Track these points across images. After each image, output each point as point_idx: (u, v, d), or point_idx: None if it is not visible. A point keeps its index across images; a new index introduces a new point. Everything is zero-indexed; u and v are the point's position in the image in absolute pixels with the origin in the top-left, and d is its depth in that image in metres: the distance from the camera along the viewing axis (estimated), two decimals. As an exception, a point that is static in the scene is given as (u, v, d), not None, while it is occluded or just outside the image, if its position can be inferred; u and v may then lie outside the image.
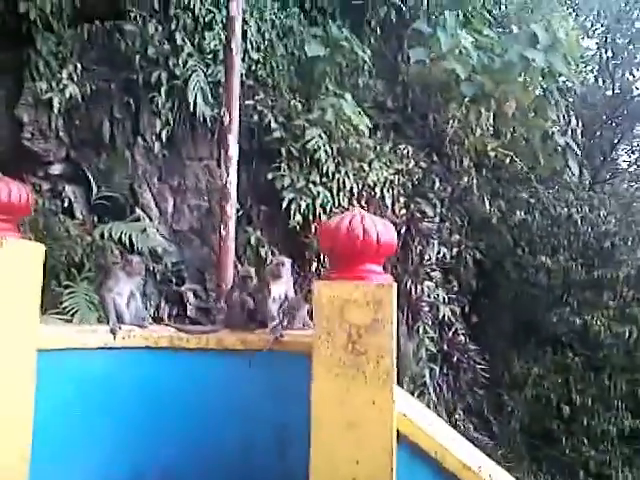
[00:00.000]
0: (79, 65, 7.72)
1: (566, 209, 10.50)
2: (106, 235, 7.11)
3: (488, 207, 10.29)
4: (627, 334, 9.68)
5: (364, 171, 8.27)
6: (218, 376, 4.27)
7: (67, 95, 7.55)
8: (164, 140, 7.98)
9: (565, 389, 10.20)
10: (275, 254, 7.97)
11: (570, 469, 9.58)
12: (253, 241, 7.90)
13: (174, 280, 8.09)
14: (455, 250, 10.02)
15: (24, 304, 3.60)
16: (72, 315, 6.59)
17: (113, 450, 4.12)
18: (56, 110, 7.58)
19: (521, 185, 10.87)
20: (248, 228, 8.07)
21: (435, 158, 9.87)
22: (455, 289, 9.54)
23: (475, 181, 10.00)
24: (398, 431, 3.10)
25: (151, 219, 8.10)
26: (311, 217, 7.92)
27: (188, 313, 8.05)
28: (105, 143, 7.88)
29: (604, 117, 15.35)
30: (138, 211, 7.98)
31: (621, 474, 9.40)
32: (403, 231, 8.38)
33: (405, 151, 8.82)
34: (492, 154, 10.38)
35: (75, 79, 7.65)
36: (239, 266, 6.28)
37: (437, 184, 9.63)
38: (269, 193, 8.05)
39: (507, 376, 10.33)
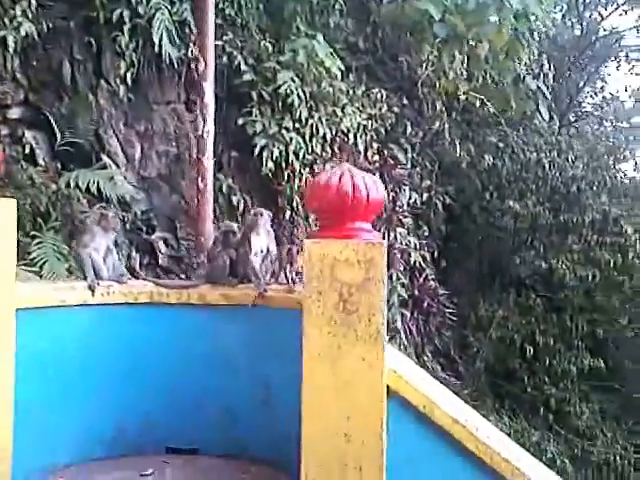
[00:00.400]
0: (34, 1, 7.22)
1: (535, 153, 10.57)
2: (72, 183, 6.84)
3: (458, 151, 10.28)
4: (590, 277, 9.99)
5: (337, 116, 8.11)
6: (200, 331, 4.24)
7: (22, 33, 7.08)
8: (129, 83, 7.61)
9: (528, 330, 10.55)
10: (247, 202, 7.87)
11: (531, 406, 10.03)
12: (225, 189, 7.74)
13: (144, 229, 7.91)
14: (425, 196, 10.06)
15: (0, 263, 3.46)
16: (40, 267, 6.42)
17: (95, 407, 4.09)
18: (11, 49, 7.11)
19: (490, 129, 10.87)
20: (219, 175, 7.87)
21: (406, 102, 9.74)
22: (425, 234, 9.62)
23: (447, 125, 9.93)
24: (388, 387, 3.13)
25: (118, 166, 7.82)
26: (284, 164, 7.79)
27: (160, 262, 7.93)
28: (66, 85, 7.47)
29: (572, 59, 15.31)
30: (104, 158, 7.69)
31: (579, 409, 9.89)
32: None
33: (379, 95, 8.65)
34: (463, 97, 10.29)
35: (30, 16, 7.16)
36: (221, 221, 6.16)
37: (409, 129, 9.54)
38: (240, 139, 7.85)
39: (473, 318, 10.60)
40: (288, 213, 8.02)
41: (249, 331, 4.14)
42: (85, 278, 4.17)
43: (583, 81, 16.37)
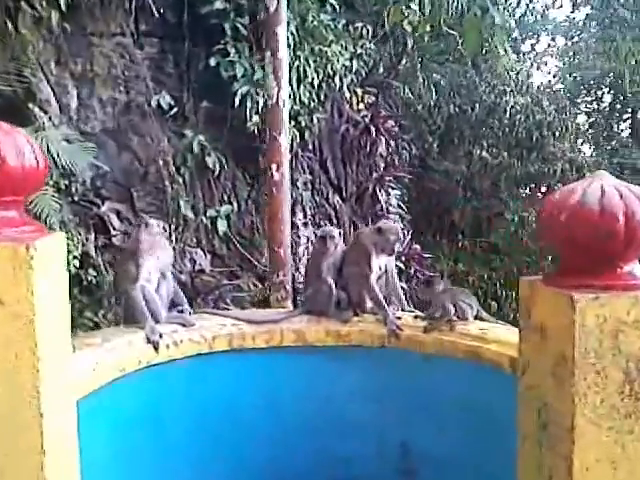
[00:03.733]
0: None
1: (499, 97, 9.89)
2: None
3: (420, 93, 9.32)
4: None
5: (324, 57, 6.76)
6: (301, 383, 3.08)
7: None
8: (62, 7, 5.72)
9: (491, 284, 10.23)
10: (224, 164, 6.43)
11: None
12: (196, 148, 6.22)
13: (92, 200, 6.26)
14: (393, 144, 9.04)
15: (56, 330, 2.07)
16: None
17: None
18: None
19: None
20: (186, 131, 6.33)
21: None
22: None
23: (417, 66, 8.89)
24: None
25: (50, 118, 6.01)
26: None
27: (113, 241, 6.35)
28: (-27, 9, 5.46)
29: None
30: (33, 108, 5.84)
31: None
32: (365, 131, 7.18)
33: (364, 31, 7.37)
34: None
35: None
36: (318, 226, 4.80)
37: (381, 70, 8.39)
38: (213, 83, 6.29)
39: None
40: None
41: (373, 381, 3.05)
42: (142, 326, 2.82)
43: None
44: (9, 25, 5.60)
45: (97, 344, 2.76)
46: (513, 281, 10.39)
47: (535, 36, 14.85)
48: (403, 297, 3.61)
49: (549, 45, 14.38)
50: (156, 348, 2.91)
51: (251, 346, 3.08)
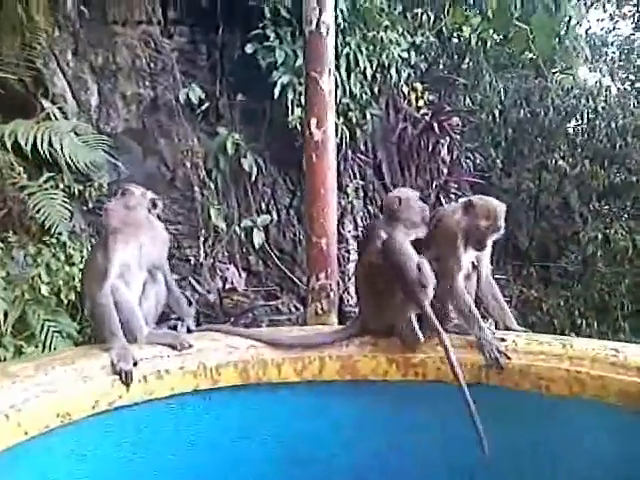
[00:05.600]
0: None
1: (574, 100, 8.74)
2: (8, 142, 4.27)
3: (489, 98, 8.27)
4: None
5: (377, 45, 5.85)
6: (345, 431, 2.07)
7: None
8: (80, -9, 5.05)
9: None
10: (262, 167, 5.55)
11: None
12: (230, 147, 5.36)
13: (110, 208, 5.43)
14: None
15: None
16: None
17: None
18: None
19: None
20: (219, 129, 5.50)
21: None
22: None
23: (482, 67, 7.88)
24: None
25: (67, 117, 5.27)
26: (312, 111, 5.49)
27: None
28: (-20, -8, 4.81)
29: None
30: (47, 105, 5.11)
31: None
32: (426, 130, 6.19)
33: (424, 19, 6.45)
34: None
35: None
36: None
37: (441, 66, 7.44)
38: (249, 74, 5.47)
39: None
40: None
41: (460, 436, 2.00)
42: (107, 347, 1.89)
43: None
44: (19, 9, 4.91)
45: (26, 376, 1.82)
46: (594, 310, 9.12)
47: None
48: (507, 308, 2.56)
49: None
50: (126, 382, 1.97)
51: (275, 380, 2.10)
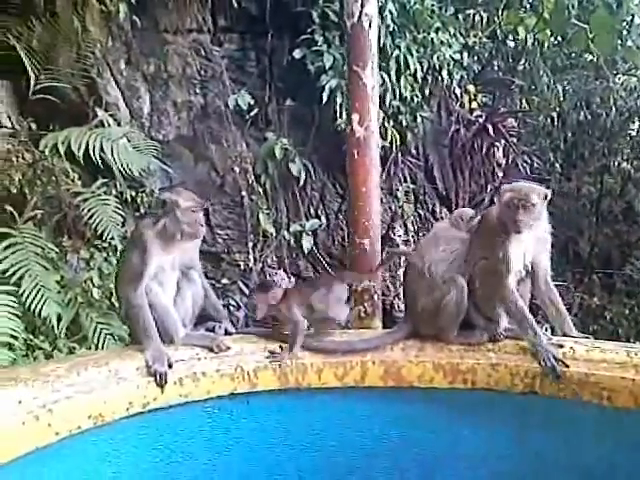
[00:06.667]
0: None
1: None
2: (62, 149, 4.35)
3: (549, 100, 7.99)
4: None
5: (428, 46, 5.73)
6: (388, 439, 1.97)
7: None
8: (132, 1, 5.13)
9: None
10: (311, 172, 5.51)
11: None
12: (278, 153, 5.33)
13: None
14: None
15: None
16: (17, 283, 4.02)
17: None
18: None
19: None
20: (268, 134, 5.50)
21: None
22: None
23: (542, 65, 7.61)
24: None
25: (119, 124, 5.37)
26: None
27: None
28: (36, 2, 4.95)
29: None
30: (100, 113, 5.22)
31: None
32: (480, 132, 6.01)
33: (477, 19, 6.28)
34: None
35: None
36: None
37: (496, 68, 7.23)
38: (298, 79, 5.45)
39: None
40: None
41: (514, 451, 1.87)
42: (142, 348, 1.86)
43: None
44: (75, 21, 5.05)
45: (60, 376, 1.80)
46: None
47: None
48: (567, 315, 2.38)
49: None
50: (160, 384, 1.93)
51: (315, 385, 2.02)
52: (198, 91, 5.65)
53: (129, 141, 5.14)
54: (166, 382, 1.96)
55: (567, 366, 2.05)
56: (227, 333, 2.37)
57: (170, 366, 2.01)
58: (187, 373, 2.02)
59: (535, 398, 2.02)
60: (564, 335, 2.36)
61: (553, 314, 2.43)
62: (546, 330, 2.36)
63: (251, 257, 5.31)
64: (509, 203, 2.28)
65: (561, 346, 2.15)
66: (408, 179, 5.83)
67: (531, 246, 2.35)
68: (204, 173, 5.68)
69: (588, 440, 2.03)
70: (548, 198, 2.41)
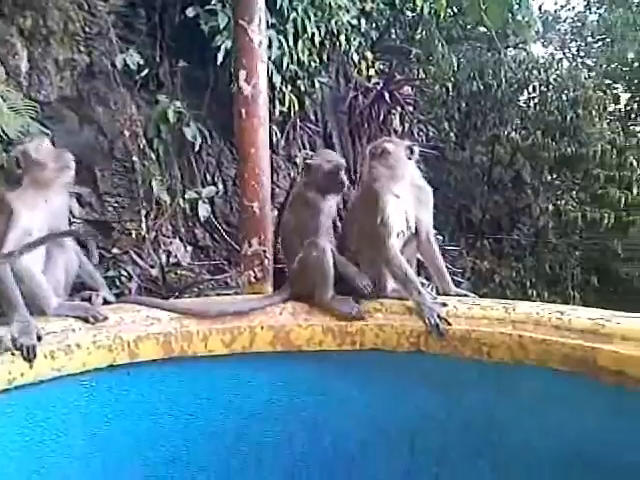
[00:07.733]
0: None
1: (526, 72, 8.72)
2: None
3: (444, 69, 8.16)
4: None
5: (325, 10, 5.65)
6: (277, 406, 1.93)
7: None
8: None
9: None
10: (207, 137, 5.33)
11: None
12: (172, 116, 5.10)
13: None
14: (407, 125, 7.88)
15: None
16: None
17: None
18: None
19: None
20: (160, 97, 5.24)
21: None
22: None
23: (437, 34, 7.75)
24: None
25: (-6, 84, 4.93)
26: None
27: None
28: None
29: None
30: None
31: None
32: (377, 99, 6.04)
33: (374, -16, 6.27)
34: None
35: None
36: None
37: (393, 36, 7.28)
38: (191, 39, 5.22)
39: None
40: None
41: (400, 409, 1.89)
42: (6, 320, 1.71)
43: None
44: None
45: None
46: (545, 281, 9.23)
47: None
48: (447, 273, 2.44)
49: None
50: (28, 358, 1.78)
51: (201, 353, 1.94)
52: (82, 49, 5.26)
53: (4, 101, 4.74)
54: (35, 356, 1.81)
55: (450, 324, 2.10)
56: (106, 302, 2.23)
57: (39, 339, 1.86)
58: (59, 346, 1.88)
59: (420, 356, 2.06)
60: (443, 293, 2.42)
61: (433, 272, 2.48)
62: (431, 289, 2.41)
63: (144, 226, 5.08)
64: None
65: (445, 305, 2.20)
66: (307, 146, 5.78)
67: (411, 206, 2.38)
68: (91, 137, 5.34)
69: (469, 395, 2.10)
70: (415, 153, 2.42)
